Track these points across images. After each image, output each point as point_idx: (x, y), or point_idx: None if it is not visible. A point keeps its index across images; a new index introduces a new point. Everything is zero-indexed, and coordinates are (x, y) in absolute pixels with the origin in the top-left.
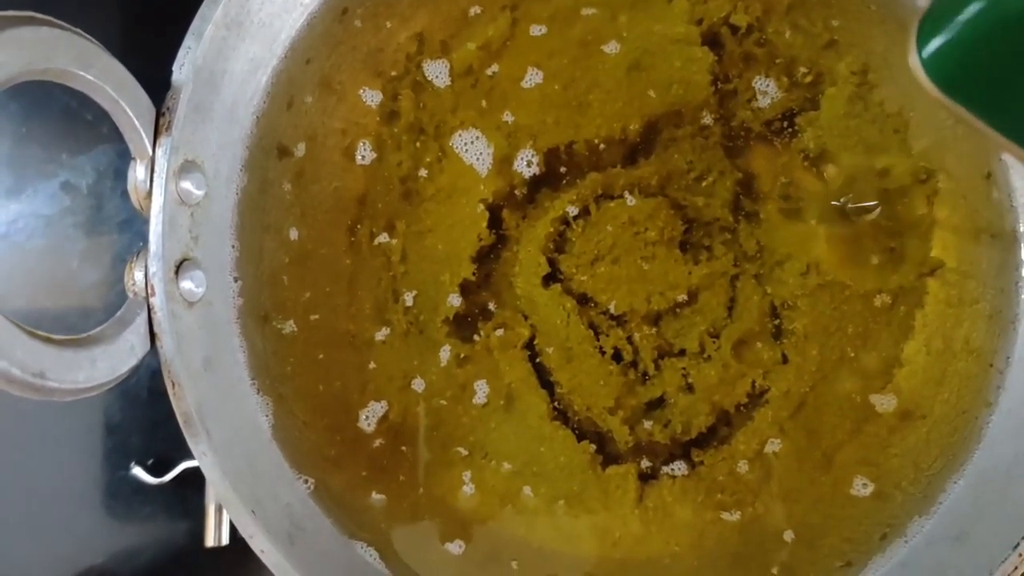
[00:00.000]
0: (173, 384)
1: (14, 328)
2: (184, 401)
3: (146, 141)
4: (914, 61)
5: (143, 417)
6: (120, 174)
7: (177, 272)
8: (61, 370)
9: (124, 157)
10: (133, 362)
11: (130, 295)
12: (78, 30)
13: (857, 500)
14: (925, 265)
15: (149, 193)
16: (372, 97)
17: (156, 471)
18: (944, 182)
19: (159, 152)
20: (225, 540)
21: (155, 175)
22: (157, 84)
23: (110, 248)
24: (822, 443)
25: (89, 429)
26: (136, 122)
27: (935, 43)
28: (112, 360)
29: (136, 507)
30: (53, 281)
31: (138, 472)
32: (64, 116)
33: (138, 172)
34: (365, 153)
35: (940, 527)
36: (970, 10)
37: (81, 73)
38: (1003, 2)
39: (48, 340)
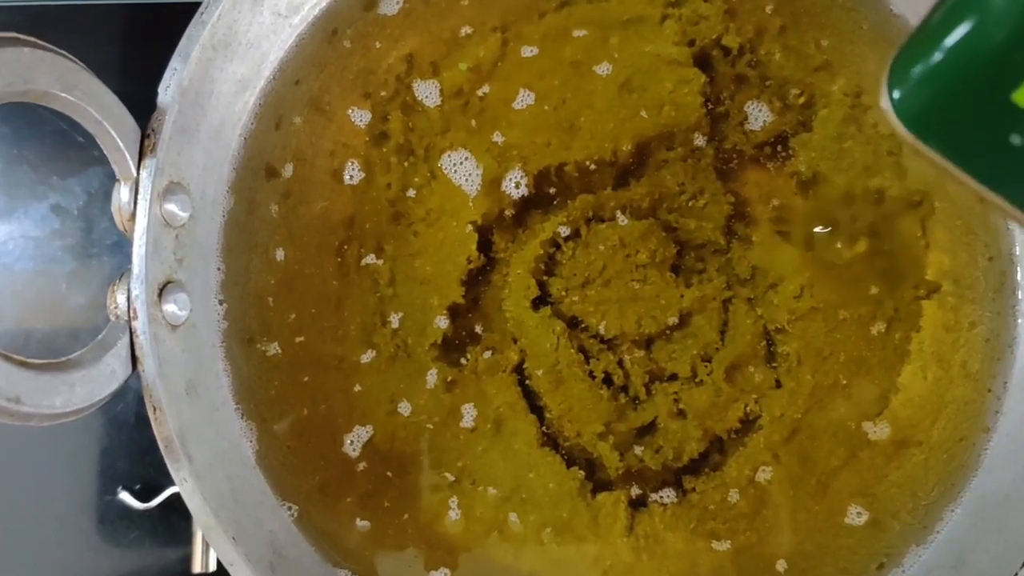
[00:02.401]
0: (155, 409)
1: None
2: (166, 426)
3: (130, 163)
4: (885, 103)
5: (130, 442)
6: (110, 196)
7: (161, 295)
8: (37, 395)
9: (114, 180)
10: (114, 386)
11: (112, 318)
12: (61, 51)
13: (852, 529)
14: (920, 288)
15: (133, 215)
16: (361, 118)
17: (143, 496)
18: (939, 204)
19: (143, 174)
20: (212, 567)
21: (139, 197)
22: (143, 105)
23: (99, 271)
24: (816, 470)
25: (76, 454)
26: (120, 143)
27: (907, 83)
28: (91, 385)
29: (123, 532)
30: (41, 303)
31: (125, 497)
32: (55, 138)
33: (122, 194)
34: (353, 174)
35: (938, 556)
36: (946, 44)
37: (63, 95)
38: (983, 34)
39: (24, 364)
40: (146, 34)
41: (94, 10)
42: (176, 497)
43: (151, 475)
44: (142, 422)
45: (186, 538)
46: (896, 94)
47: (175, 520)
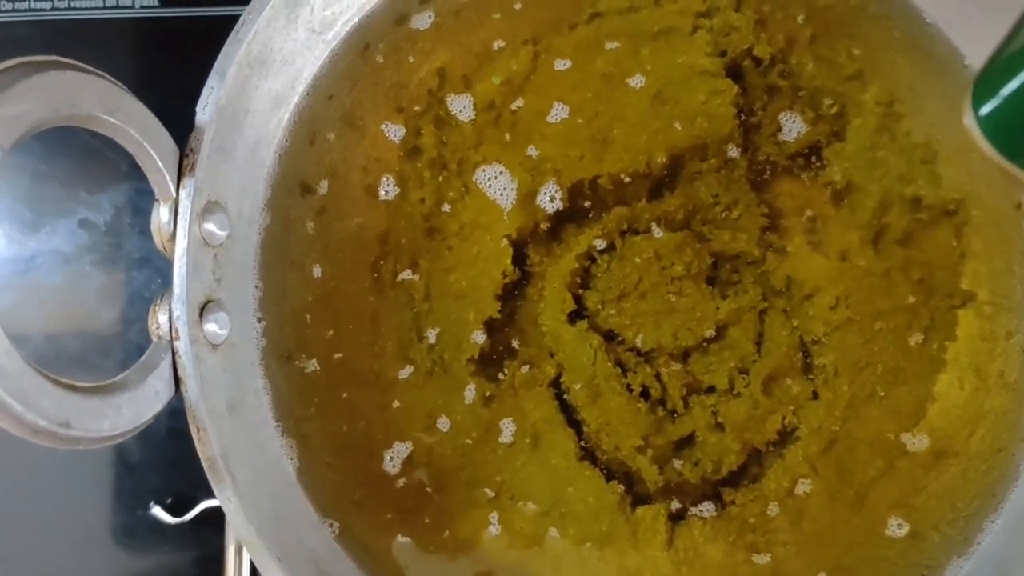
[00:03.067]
0: (198, 429)
1: (39, 376)
2: (209, 446)
3: (170, 183)
4: (970, 122)
5: (162, 456)
6: (138, 211)
7: (201, 314)
8: (87, 419)
9: (143, 194)
10: (158, 408)
11: (154, 339)
12: (102, 73)
13: (892, 541)
14: (956, 297)
15: (173, 235)
16: (395, 132)
17: (175, 511)
18: (975, 212)
19: (183, 194)
20: None
21: (179, 217)
22: (178, 123)
23: (128, 285)
24: (854, 481)
25: (107, 468)
26: (160, 164)
27: (994, 102)
28: (137, 407)
29: (155, 547)
30: (71, 318)
31: (157, 512)
32: (83, 153)
33: (162, 214)
34: (388, 189)
35: (979, 567)
36: None
37: (106, 117)
38: None
39: (73, 388)
40: (179, 51)
41: (118, 24)
42: (208, 511)
43: (183, 489)
44: (173, 435)
45: (218, 553)
46: (984, 110)
47: (207, 535)
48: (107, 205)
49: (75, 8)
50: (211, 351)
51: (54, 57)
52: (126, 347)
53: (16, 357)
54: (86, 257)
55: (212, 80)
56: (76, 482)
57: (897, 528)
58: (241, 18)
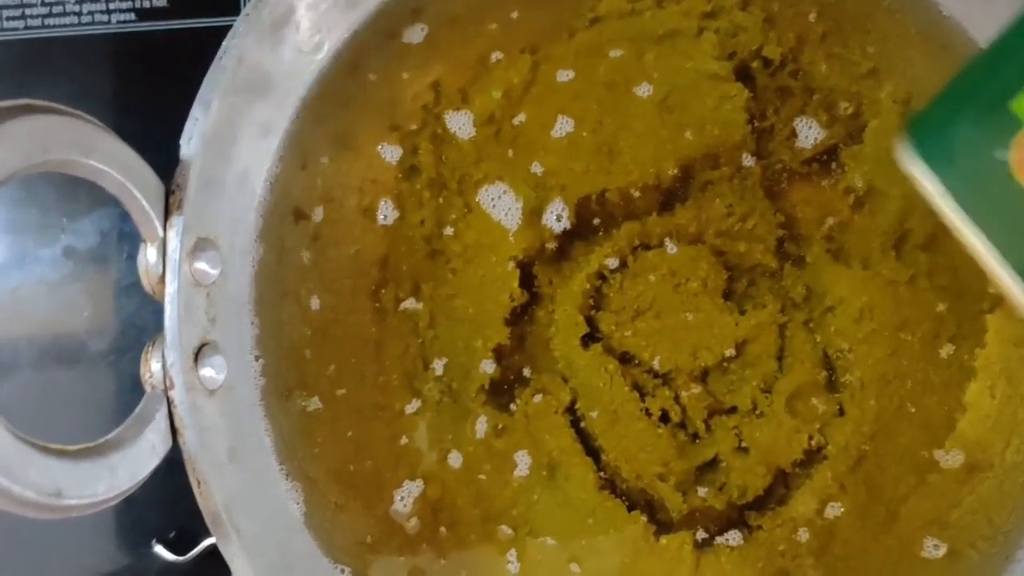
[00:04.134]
0: (199, 483)
1: (25, 446)
2: (212, 500)
3: (156, 222)
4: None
5: (162, 490)
6: (124, 236)
7: (196, 359)
8: (79, 485)
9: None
10: (155, 463)
11: (147, 388)
12: (78, 112)
13: (929, 563)
14: (984, 301)
15: (162, 278)
16: (391, 153)
17: (178, 548)
18: None
19: (171, 233)
20: None
21: (167, 258)
22: (161, 148)
23: (118, 314)
24: (885, 499)
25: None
26: (144, 204)
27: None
28: (133, 465)
29: None
30: (60, 352)
31: (160, 550)
32: (64, 178)
33: (149, 255)
34: (386, 212)
35: None
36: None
37: (83, 160)
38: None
39: (62, 453)
40: (159, 82)
41: (95, 41)
42: (213, 547)
43: (186, 524)
44: (173, 468)
45: None
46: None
47: (217, 571)
48: (91, 231)
49: (49, 27)
50: (208, 397)
51: (26, 100)
52: (120, 378)
53: None
54: (72, 286)
55: (196, 110)
56: (73, 522)
57: (934, 549)
58: (224, 43)
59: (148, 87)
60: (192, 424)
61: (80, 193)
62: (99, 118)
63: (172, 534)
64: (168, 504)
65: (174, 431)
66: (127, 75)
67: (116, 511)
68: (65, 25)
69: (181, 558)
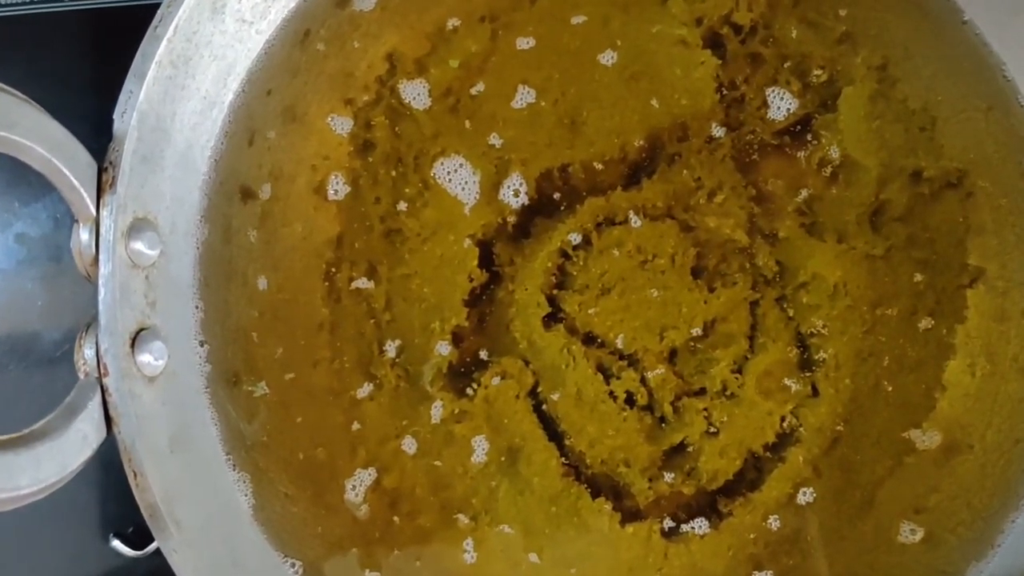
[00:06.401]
0: (135, 474)
1: None
2: (148, 492)
3: (88, 201)
4: None
5: (118, 482)
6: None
7: (133, 345)
8: None
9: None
10: (87, 454)
11: (81, 375)
12: None
13: (906, 548)
14: (964, 275)
15: (96, 259)
16: (343, 126)
17: (136, 543)
18: (980, 183)
19: (104, 213)
20: None
21: (100, 239)
22: (105, 139)
23: (73, 303)
24: (861, 482)
25: (59, 499)
26: (74, 181)
27: None
28: (60, 457)
29: None
30: (14, 343)
31: (118, 545)
32: (14, 161)
33: (82, 236)
34: (338, 189)
35: (1001, 571)
36: None
37: (3, 134)
38: None
39: None
40: (97, 54)
41: (44, 19)
42: None
43: (143, 518)
44: None
45: None
46: None
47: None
48: (44, 216)
49: None
50: (147, 384)
51: None
52: (75, 369)
53: None
54: (26, 273)
55: (130, 83)
56: (25, 517)
57: (910, 534)
58: (159, 11)
59: (93, 67)
60: (128, 413)
61: (30, 177)
62: (35, 98)
63: (130, 529)
64: (125, 498)
65: (109, 420)
66: (67, 53)
67: (73, 506)
68: (4, 5)
69: (139, 553)
